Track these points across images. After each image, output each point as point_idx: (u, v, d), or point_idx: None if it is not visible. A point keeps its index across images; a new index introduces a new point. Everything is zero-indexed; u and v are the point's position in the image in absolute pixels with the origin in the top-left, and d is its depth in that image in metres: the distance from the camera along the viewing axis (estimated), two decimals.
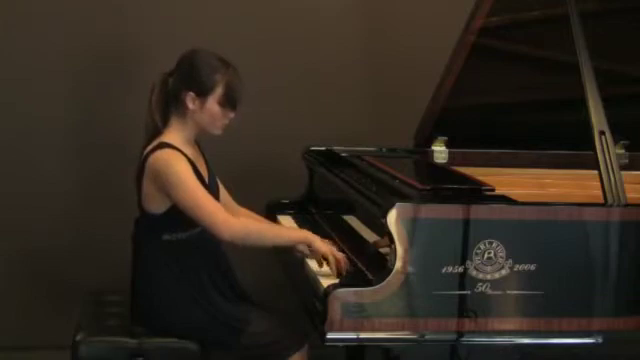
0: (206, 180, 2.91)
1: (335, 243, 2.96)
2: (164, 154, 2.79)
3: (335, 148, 3.59)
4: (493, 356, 2.68)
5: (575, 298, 2.66)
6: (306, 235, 2.84)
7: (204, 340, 2.87)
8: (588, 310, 2.67)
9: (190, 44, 3.87)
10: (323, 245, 2.80)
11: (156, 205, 2.83)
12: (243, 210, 3.16)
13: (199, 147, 3.01)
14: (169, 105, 2.89)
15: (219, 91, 2.83)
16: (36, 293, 3.97)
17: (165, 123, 2.89)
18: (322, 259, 2.81)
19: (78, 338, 2.89)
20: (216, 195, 2.94)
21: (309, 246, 2.82)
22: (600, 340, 2.67)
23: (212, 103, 2.84)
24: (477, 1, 3.27)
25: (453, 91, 3.43)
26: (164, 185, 2.77)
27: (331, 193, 3.36)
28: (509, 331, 2.63)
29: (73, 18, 3.84)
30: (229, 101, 2.85)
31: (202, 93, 2.83)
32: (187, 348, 2.87)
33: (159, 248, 2.86)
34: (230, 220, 2.77)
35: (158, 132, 2.88)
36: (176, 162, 2.78)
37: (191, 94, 2.83)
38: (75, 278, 3.88)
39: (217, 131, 2.91)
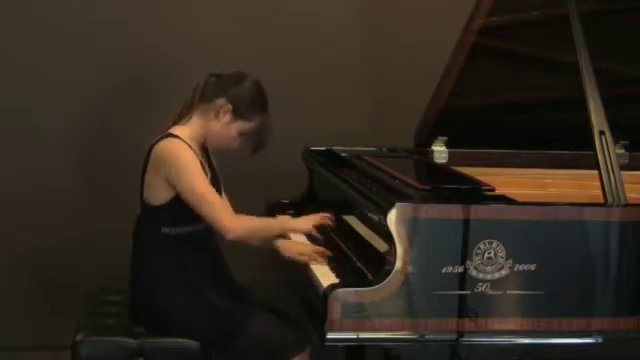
0: (208, 179, 2.90)
1: (335, 246, 2.96)
2: (171, 143, 2.82)
3: (335, 148, 3.59)
4: (493, 356, 2.67)
5: (575, 298, 2.66)
6: (282, 226, 2.95)
7: (204, 341, 2.87)
8: (588, 310, 2.66)
9: (190, 46, 3.92)
10: (295, 248, 2.90)
11: (157, 196, 2.84)
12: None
13: (207, 152, 3.00)
14: (193, 104, 2.91)
15: (250, 125, 2.89)
16: (36, 293, 3.97)
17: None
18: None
19: (78, 338, 2.88)
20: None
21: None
22: (600, 340, 2.67)
23: (235, 128, 2.89)
24: (477, 1, 3.27)
25: (453, 91, 3.43)
26: (169, 174, 2.79)
27: (331, 193, 3.35)
28: (509, 331, 2.63)
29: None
30: (252, 139, 2.91)
31: (238, 114, 2.88)
32: (188, 348, 2.87)
33: (158, 242, 2.86)
34: (235, 221, 2.80)
35: (166, 128, 2.90)
36: (184, 153, 2.80)
37: (229, 107, 2.87)
38: (75, 278, 3.88)
39: (212, 147, 2.96)
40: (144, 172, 2.87)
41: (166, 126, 2.92)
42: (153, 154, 2.83)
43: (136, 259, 2.94)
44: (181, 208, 2.80)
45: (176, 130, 2.88)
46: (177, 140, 2.83)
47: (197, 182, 2.78)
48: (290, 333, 2.91)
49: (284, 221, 2.98)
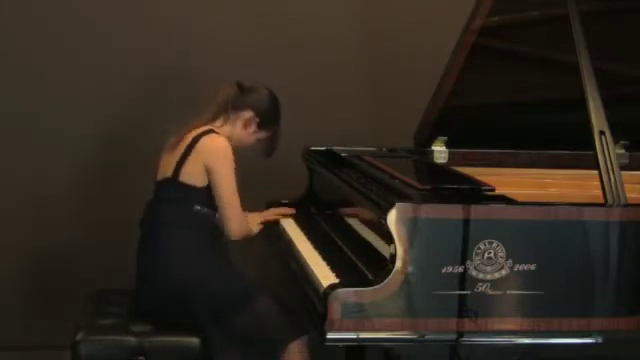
0: None
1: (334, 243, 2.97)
2: (222, 141, 3.11)
3: (335, 148, 3.59)
4: (493, 356, 2.67)
5: (575, 298, 2.66)
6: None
7: (212, 307, 2.96)
8: (588, 310, 2.66)
9: (190, 47, 3.92)
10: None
11: (197, 179, 3.08)
12: None
13: None
14: (226, 110, 3.20)
15: (267, 134, 3.25)
16: (36, 293, 3.97)
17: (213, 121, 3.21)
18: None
19: (78, 338, 2.89)
20: None
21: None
22: (600, 340, 2.67)
23: (256, 136, 3.24)
24: (477, 1, 3.27)
25: (453, 91, 3.43)
26: (211, 166, 3.07)
27: (331, 193, 3.36)
28: (509, 331, 2.63)
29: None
30: (267, 146, 3.28)
31: (262, 125, 3.22)
32: (188, 346, 2.88)
33: (186, 216, 3.09)
34: (241, 227, 3.16)
35: (203, 123, 3.16)
36: (230, 154, 3.11)
37: (257, 120, 3.21)
38: (75, 278, 3.88)
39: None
40: (185, 156, 3.07)
41: (200, 123, 3.14)
42: (202, 144, 3.08)
43: (159, 222, 3.08)
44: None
45: (219, 130, 3.16)
46: (225, 139, 3.12)
47: (232, 184, 3.09)
48: (288, 320, 2.98)
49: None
